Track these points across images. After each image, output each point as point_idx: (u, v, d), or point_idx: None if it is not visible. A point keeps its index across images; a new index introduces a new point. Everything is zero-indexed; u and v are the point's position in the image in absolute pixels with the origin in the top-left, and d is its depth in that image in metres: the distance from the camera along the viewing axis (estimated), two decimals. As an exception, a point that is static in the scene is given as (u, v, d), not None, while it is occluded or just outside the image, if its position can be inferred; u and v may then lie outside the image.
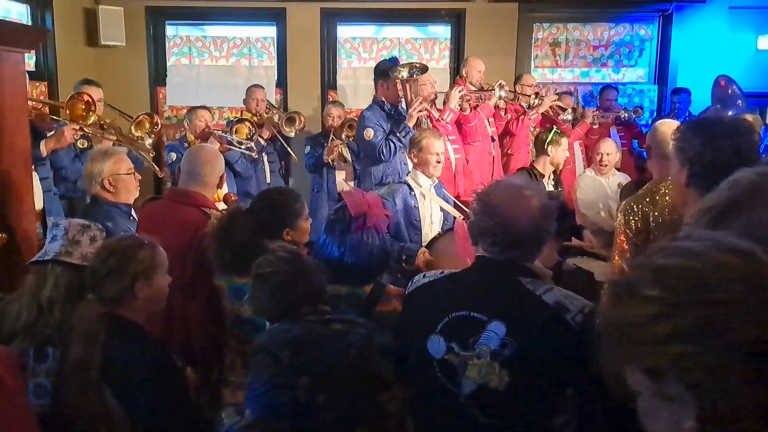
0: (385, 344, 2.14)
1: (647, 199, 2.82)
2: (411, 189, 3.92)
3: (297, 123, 6.01)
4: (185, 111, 6.16)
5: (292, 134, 5.98)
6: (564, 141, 4.90)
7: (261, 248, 2.35)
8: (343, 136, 5.89)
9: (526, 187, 1.93)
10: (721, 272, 0.90)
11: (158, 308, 2.35)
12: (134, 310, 2.21)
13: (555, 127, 4.98)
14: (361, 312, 2.26)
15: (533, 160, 5.26)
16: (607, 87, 6.80)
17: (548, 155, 4.88)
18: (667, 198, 2.78)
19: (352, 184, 5.92)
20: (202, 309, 2.75)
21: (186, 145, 5.40)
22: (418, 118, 4.88)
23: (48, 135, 4.39)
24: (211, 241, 2.55)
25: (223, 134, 5.41)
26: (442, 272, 2.09)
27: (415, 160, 3.98)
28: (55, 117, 4.70)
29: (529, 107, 6.10)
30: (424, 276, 2.10)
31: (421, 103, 4.86)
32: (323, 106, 7.11)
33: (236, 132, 5.37)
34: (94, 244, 2.48)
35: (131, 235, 2.30)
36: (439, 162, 3.92)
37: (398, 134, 4.77)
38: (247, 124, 5.44)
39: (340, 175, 5.94)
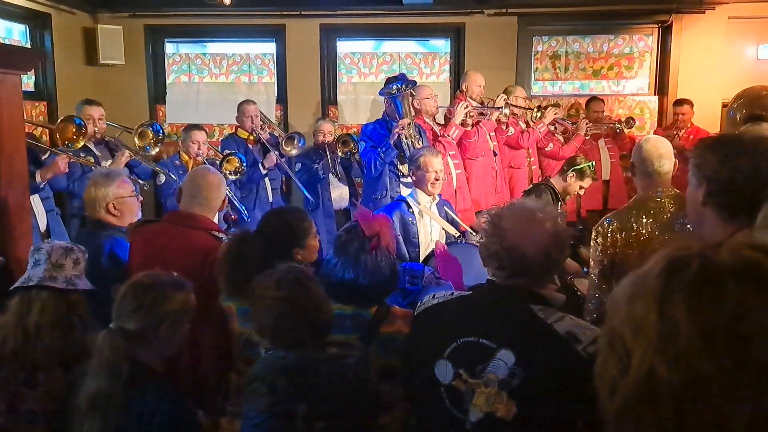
0: (389, 365, 2.10)
1: (621, 217, 2.80)
2: (409, 206, 3.94)
3: (296, 141, 5.91)
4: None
5: (293, 152, 5.87)
6: (587, 181, 4.71)
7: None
8: (339, 152, 5.79)
9: (540, 212, 1.88)
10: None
11: (170, 354, 2.27)
12: (150, 351, 2.13)
13: (593, 163, 4.75)
14: (366, 333, 2.22)
15: (548, 176, 5.13)
16: (593, 99, 6.73)
17: (565, 181, 4.72)
18: (648, 216, 2.75)
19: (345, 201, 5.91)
20: (214, 333, 2.68)
21: (177, 163, 5.33)
22: (399, 135, 4.87)
23: (44, 163, 4.46)
24: (221, 266, 2.49)
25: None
26: (452, 293, 2.04)
27: (414, 178, 3.98)
28: (40, 144, 4.69)
29: (527, 122, 6.10)
30: (433, 297, 2.05)
31: (406, 120, 4.87)
32: (323, 122, 7.11)
33: (227, 162, 5.29)
34: (77, 266, 2.45)
35: (169, 273, 2.22)
36: (437, 179, 3.94)
37: (379, 149, 4.78)
38: (237, 159, 5.34)
39: (335, 192, 5.89)
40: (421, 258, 3.71)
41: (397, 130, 4.79)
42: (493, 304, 1.88)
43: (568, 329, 1.75)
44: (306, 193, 5.61)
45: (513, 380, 1.73)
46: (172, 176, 5.09)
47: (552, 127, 6.18)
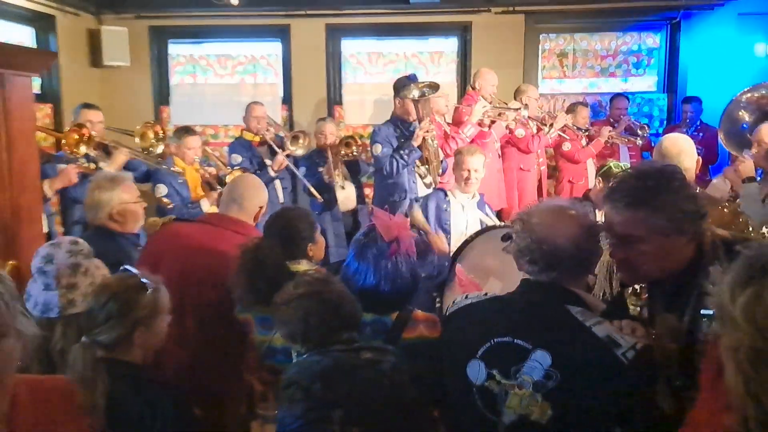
0: (412, 371, 2.06)
1: None
2: (446, 195, 4.05)
3: (301, 140, 5.78)
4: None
5: (299, 152, 5.78)
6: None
7: (289, 272, 2.33)
8: (342, 153, 5.68)
9: (570, 207, 1.89)
10: None
11: (154, 349, 2.25)
12: (130, 353, 2.11)
13: (616, 162, 4.69)
14: (387, 339, 2.19)
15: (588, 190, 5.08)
16: (617, 96, 6.74)
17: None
18: None
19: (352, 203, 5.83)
20: (236, 341, 2.65)
21: (174, 170, 5.10)
22: (424, 138, 4.83)
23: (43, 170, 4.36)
24: (239, 277, 2.45)
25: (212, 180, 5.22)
26: (486, 294, 2.03)
27: (454, 176, 4.13)
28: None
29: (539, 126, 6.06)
30: (466, 297, 2.03)
31: (429, 123, 4.85)
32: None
33: (230, 174, 5.22)
34: (91, 277, 2.40)
35: (133, 276, 2.16)
36: (468, 178, 3.99)
37: (401, 152, 4.77)
38: (241, 170, 5.27)
39: (341, 194, 5.80)
40: (452, 247, 3.69)
41: (422, 132, 4.76)
42: (529, 304, 1.86)
43: (608, 333, 1.73)
44: (315, 194, 5.52)
45: (549, 382, 1.72)
46: (173, 169, 4.96)
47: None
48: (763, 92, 5.08)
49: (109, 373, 1.96)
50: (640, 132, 6.50)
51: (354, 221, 5.84)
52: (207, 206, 5.02)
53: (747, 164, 3.92)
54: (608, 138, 6.17)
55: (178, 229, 3.04)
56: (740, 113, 5.46)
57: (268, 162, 5.64)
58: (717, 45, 6.79)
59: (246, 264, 2.45)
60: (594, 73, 7.35)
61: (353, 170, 5.89)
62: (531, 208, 1.94)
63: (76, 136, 4.43)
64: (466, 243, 3.50)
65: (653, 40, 7.23)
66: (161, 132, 4.94)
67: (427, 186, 5.00)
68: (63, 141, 4.38)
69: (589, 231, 1.84)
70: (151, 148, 5.03)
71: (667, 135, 3.21)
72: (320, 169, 5.64)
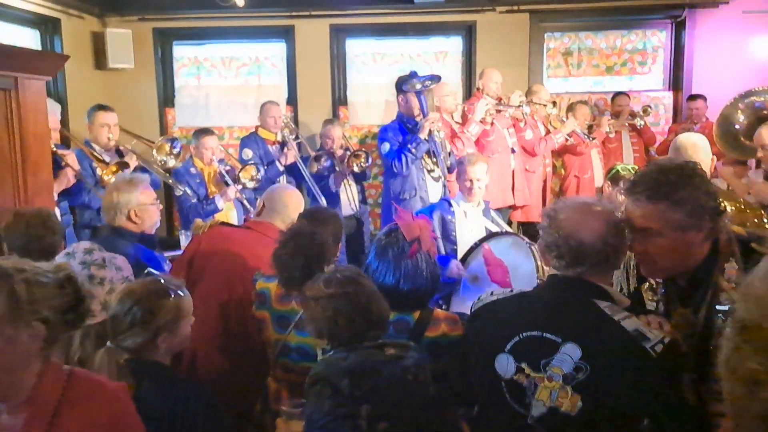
0: (435, 369, 2.07)
1: None
2: (450, 205, 4.00)
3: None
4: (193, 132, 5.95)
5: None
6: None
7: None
8: (355, 167, 5.60)
9: (595, 203, 1.91)
10: None
11: (179, 350, 2.28)
12: (156, 355, 2.13)
13: (623, 164, 4.74)
14: (410, 338, 2.20)
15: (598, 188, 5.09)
16: (618, 94, 6.79)
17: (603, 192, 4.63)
18: None
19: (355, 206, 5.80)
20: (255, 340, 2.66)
21: (193, 171, 5.19)
22: (430, 129, 4.85)
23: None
24: (276, 262, 2.46)
25: (229, 180, 5.21)
26: (512, 290, 2.05)
27: (457, 185, 4.09)
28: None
29: (547, 127, 6.05)
30: (491, 294, 2.05)
31: (434, 114, 4.85)
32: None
33: (243, 170, 5.23)
34: (110, 284, 2.39)
35: (156, 281, 2.19)
36: (471, 187, 3.96)
37: (409, 146, 4.77)
38: (253, 167, 5.29)
39: (344, 197, 5.77)
40: (459, 256, 3.70)
41: (428, 124, 4.77)
42: (557, 298, 1.88)
43: (636, 327, 1.76)
44: (321, 199, 5.50)
45: (579, 375, 1.74)
46: (188, 191, 4.98)
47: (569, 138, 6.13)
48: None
49: (137, 374, 1.98)
50: (641, 113, 6.53)
51: (358, 224, 5.82)
52: (221, 202, 5.11)
53: (761, 188, 3.78)
54: (608, 126, 6.20)
55: (227, 233, 3.12)
56: (737, 115, 5.46)
57: (277, 158, 5.68)
58: (722, 43, 6.79)
59: (287, 250, 2.45)
60: (599, 72, 7.35)
61: (357, 173, 5.88)
62: (557, 205, 1.96)
63: (115, 169, 4.48)
64: (471, 249, 3.54)
65: (658, 38, 7.24)
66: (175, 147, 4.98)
67: (435, 180, 5.00)
68: (103, 171, 4.48)
69: (615, 227, 1.87)
70: (165, 158, 5.01)
71: (684, 134, 3.22)
72: (327, 173, 5.63)
